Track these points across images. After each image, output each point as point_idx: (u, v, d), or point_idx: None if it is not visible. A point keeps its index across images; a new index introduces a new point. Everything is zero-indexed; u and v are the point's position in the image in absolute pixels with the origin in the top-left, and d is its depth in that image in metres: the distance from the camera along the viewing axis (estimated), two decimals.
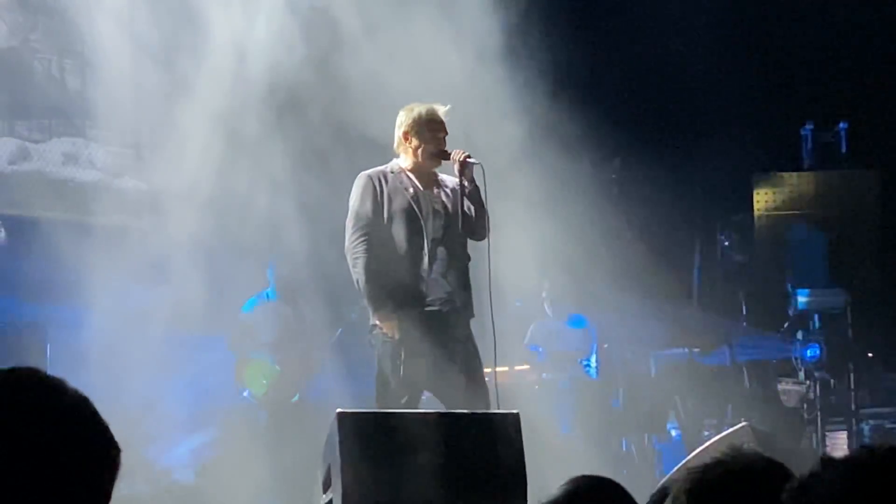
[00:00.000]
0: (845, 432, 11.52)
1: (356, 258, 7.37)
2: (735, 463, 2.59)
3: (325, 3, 10.18)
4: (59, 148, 10.86)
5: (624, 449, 11.41)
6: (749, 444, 7.42)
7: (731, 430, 8.14)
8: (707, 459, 2.67)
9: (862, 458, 1.98)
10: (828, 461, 1.99)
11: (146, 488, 8.95)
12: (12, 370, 2.04)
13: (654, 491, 3.23)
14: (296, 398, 11.06)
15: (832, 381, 11.59)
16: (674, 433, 11.71)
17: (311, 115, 10.11)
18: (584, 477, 2.96)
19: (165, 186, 10.51)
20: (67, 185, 10.86)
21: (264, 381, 10.97)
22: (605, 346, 11.65)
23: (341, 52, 9.99)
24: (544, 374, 11.37)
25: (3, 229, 10.60)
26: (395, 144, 7.52)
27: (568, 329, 11.68)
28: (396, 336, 7.24)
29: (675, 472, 2.79)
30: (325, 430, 6.40)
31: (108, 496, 2.02)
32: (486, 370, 7.53)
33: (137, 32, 10.62)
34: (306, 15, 10.19)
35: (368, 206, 7.40)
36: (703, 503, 2.55)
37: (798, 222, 13.07)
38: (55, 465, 1.96)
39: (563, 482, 2.92)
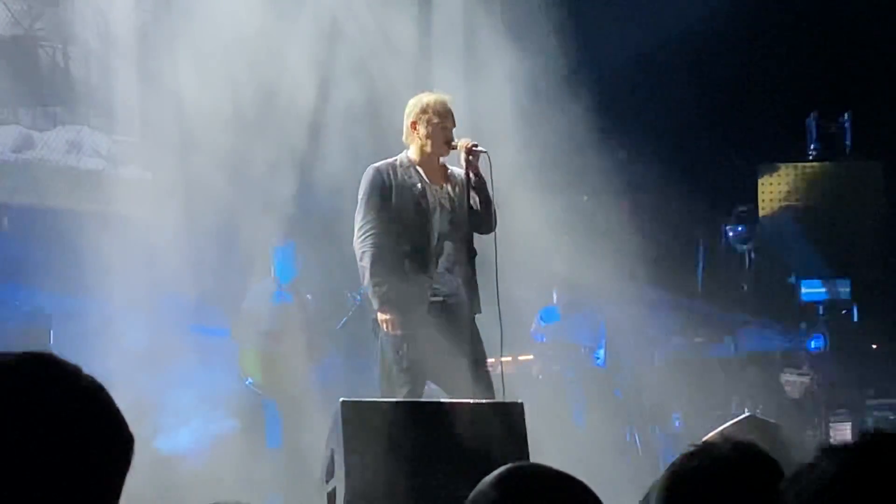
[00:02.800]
0: (849, 423, 11.51)
1: (363, 252, 7.37)
2: (706, 457, 2.62)
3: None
4: (64, 136, 10.85)
5: (628, 439, 11.42)
6: (751, 436, 7.41)
7: (734, 420, 8.13)
8: (680, 456, 2.69)
9: (856, 444, 1.99)
10: (825, 450, 2.00)
11: (150, 477, 8.94)
12: (28, 355, 2.03)
13: (655, 481, 3.22)
14: (300, 387, 11.06)
15: (836, 372, 11.58)
16: (678, 424, 11.71)
17: (313, 99, 10.14)
18: (510, 469, 2.89)
19: (169, 175, 10.51)
20: (71, 173, 10.86)
21: (266, 371, 10.97)
22: (612, 338, 11.66)
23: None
24: (549, 365, 11.38)
25: (6, 217, 10.61)
26: (404, 135, 7.53)
27: (577, 322, 11.70)
28: (398, 333, 7.25)
29: (677, 458, 2.79)
30: (328, 419, 6.40)
31: (120, 485, 2.01)
32: (491, 360, 7.53)
33: (142, 21, 10.62)
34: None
35: (377, 199, 7.40)
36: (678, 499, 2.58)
37: (803, 213, 13.06)
38: (69, 452, 1.94)
39: (492, 478, 2.84)
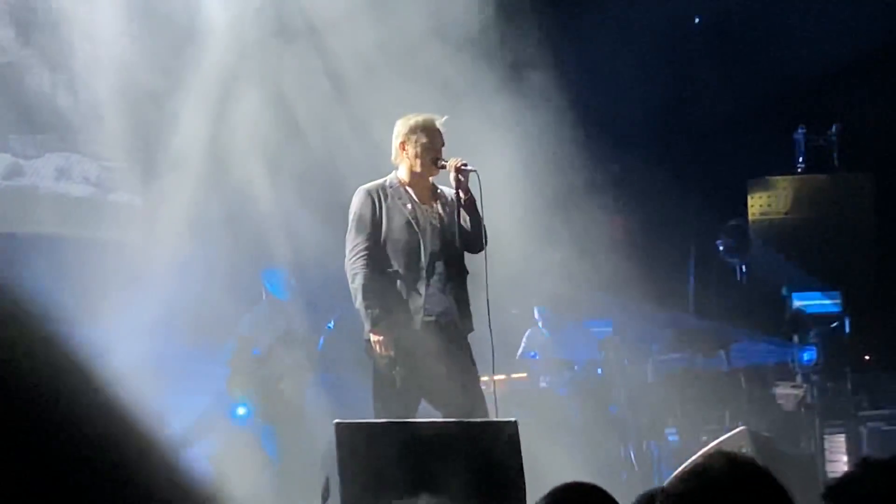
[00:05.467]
0: (844, 435, 11.50)
1: (354, 273, 7.38)
2: (701, 479, 2.59)
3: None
4: (53, 163, 10.84)
5: (623, 455, 11.39)
6: (745, 449, 7.42)
7: (729, 434, 8.13)
8: (686, 469, 2.67)
9: None
10: (867, 462, 2.00)
11: None
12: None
13: (638, 497, 3.21)
14: (294, 410, 11.02)
15: (829, 384, 11.57)
16: (672, 438, 11.69)
17: (303, 125, 10.13)
18: (563, 487, 2.92)
19: (159, 201, 10.50)
20: (61, 200, 10.84)
21: (262, 396, 10.94)
22: (607, 351, 11.66)
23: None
24: (542, 382, 11.37)
25: None
26: (393, 156, 7.54)
27: (567, 337, 11.68)
28: (390, 353, 7.25)
29: (672, 478, 2.78)
30: (323, 440, 6.40)
31: None
32: (484, 378, 7.53)
33: (130, 47, 10.62)
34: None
35: (367, 221, 7.41)
36: None
37: (793, 226, 13.09)
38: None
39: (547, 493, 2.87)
